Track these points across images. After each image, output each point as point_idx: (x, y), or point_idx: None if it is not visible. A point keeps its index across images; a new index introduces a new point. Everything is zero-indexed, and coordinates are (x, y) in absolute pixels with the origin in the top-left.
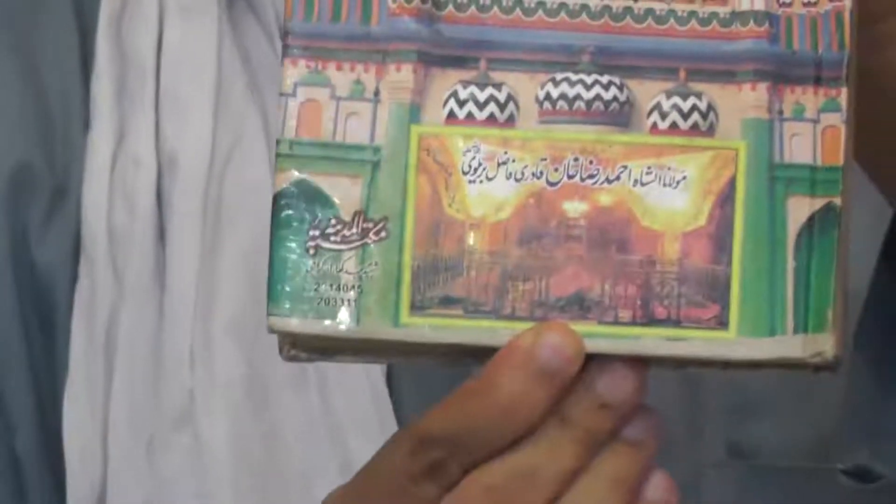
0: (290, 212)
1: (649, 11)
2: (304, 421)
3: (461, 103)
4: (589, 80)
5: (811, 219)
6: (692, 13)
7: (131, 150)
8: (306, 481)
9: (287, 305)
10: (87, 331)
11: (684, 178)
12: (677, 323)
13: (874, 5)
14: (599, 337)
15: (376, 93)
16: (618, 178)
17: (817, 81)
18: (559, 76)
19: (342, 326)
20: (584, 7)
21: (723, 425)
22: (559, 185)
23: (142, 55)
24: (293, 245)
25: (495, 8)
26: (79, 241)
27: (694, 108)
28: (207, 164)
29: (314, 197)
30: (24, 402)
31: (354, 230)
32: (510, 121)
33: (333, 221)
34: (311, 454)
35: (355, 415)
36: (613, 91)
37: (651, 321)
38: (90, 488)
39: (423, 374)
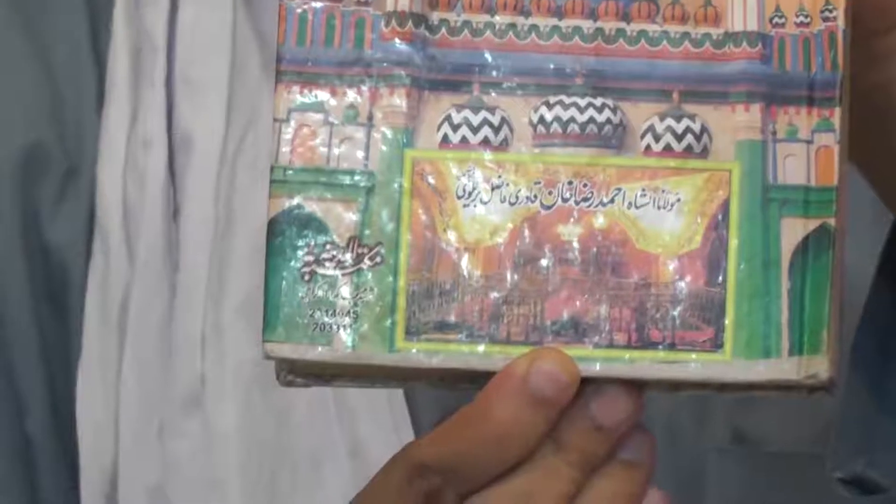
0: (285, 238)
1: (642, 33)
2: (313, 404)
3: (455, 127)
4: (582, 102)
5: (805, 240)
6: (685, 34)
7: (143, 129)
8: (315, 464)
9: (282, 332)
10: (100, 309)
11: (678, 200)
12: (672, 346)
13: (872, 21)
14: (594, 360)
15: (370, 118)
16: (612, 200)
17: (810, 102)
18: (553, 99)
19: (337, 352)
20: (577, 30)
21: (728, 412)
22: (553, 208)
23: (154, 33)
24: (288, 271)
25: (488, 32)
26: (92, 221)
27: (687, 129)
28: (221, 144)
29: (308, 223)
30: (35, 383)
31: (349, 256)
32: (504, 144)
33: (328, 247)
34: (320, 437)
35: (365, 398)
36: (607, 113)
37: (646, 344)
38: (102, 470)
39: None
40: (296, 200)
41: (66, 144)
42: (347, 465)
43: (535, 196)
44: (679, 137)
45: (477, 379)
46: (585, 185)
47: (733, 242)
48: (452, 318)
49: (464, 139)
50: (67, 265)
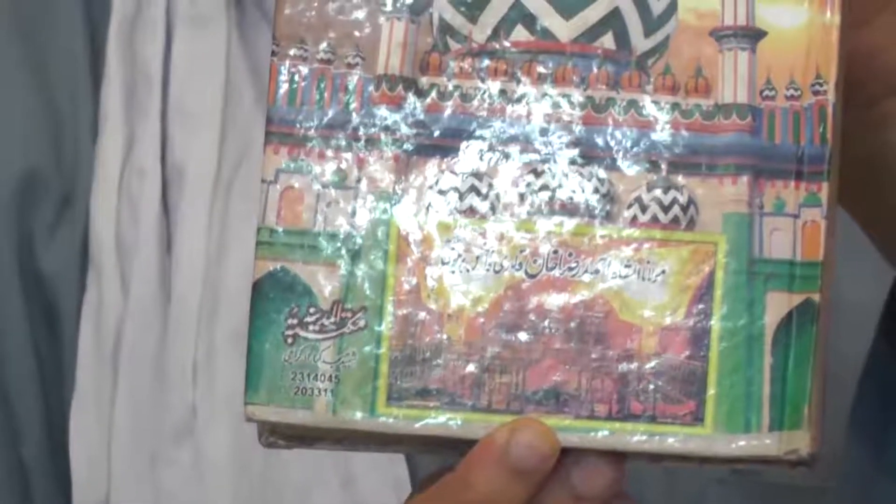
0: (269, 301)
1: (632, 103)
2: None
3: (441, 193)
4: (570, 171)
5: (790, 315)
6: (675, 105)
7: (137, 160)
8: (306, 495)
9: (264, 395)
10: (94, 342)
11: (663, 271)
12: (653, 418)
13: (870, 87)
14: (574, 431)
15: (357, 181)
16: (597, 271)
17: (798, 176)
18: (540, 167)
19: (318, 416)
20: (567, 97)
21: None
22: (538, 277)
23: (149, 65)
24: (271, 334)
25: (478, 97)
26: (85, 251)
27: (674, 201)
28: (214, 174)
29: (292, 286)
30: (31, 410)
31: (332, 320)
32: (490, 212)
33: (312, 311)
34: (312, 467)
35: None
36: (594, 183)
37: (627, 416)
38: (96, 500)
39: None
40: (280, 264)
41: (62, 172)
42: (339, 495)
43: (520, 265)
44: (666, 209)
45: (458, 445)
46: (570, 255)
47: (717, 316)
48: (434, 386)
49: (450, 205)
50: (60, 295)
